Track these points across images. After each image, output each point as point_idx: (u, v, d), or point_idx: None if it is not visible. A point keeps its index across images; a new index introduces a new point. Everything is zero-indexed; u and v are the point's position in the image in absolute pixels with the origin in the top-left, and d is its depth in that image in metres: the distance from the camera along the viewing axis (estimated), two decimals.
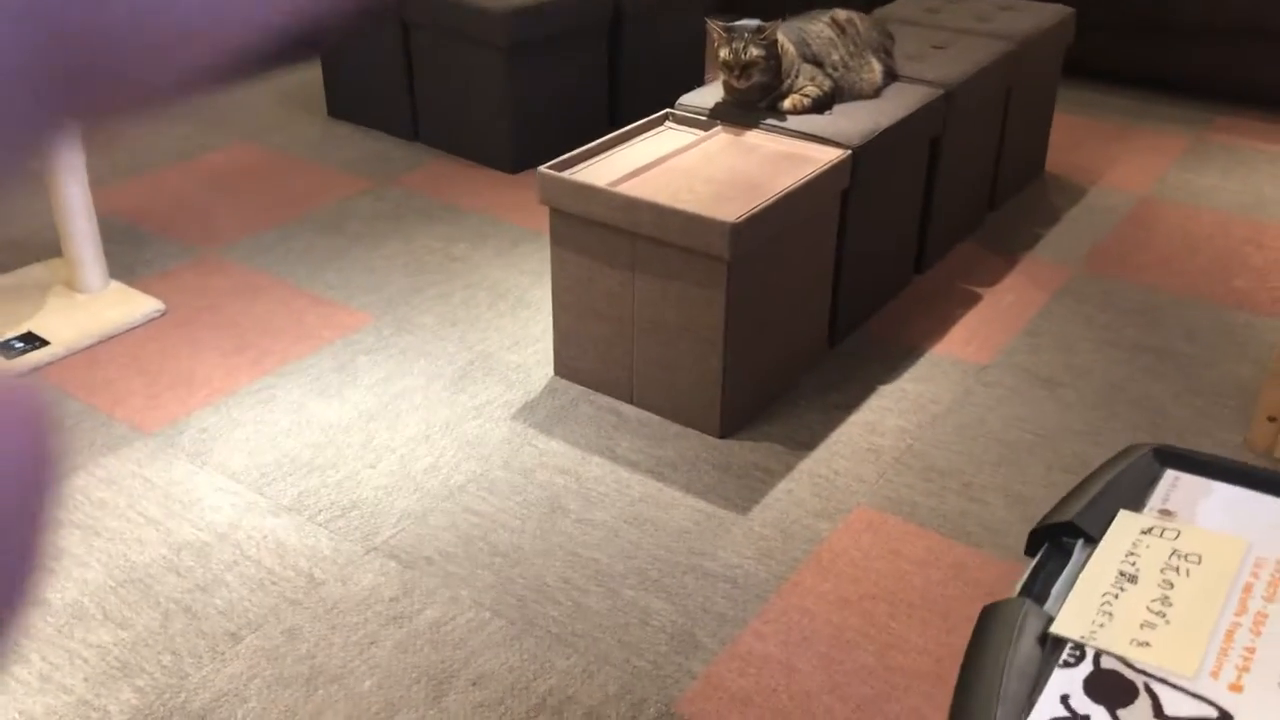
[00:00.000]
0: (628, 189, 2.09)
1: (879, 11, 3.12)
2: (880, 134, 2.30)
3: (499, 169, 3.29)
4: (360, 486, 2.00)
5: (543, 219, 2.40)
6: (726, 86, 2.36)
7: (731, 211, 1.98)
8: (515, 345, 2.44)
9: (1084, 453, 2.11)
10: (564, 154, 2.22)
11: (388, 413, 2.21)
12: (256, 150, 3.40)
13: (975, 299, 2.65)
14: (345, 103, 3.64)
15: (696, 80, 3.75)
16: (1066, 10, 3.12)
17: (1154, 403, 2.27)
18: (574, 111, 3.40)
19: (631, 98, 3.55)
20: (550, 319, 2.32)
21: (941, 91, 2.52)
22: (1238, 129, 3.64)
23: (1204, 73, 3.83)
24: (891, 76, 2.54)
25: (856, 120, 2.31)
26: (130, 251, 2.78)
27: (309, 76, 3.92)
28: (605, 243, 2.12)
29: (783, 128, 2.31)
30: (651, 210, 2.02)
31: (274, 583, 1.79)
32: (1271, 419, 2.09)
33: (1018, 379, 2.34)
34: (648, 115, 3.60)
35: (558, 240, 2.20)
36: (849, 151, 2.23)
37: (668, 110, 2.45)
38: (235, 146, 3.42)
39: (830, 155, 2.22)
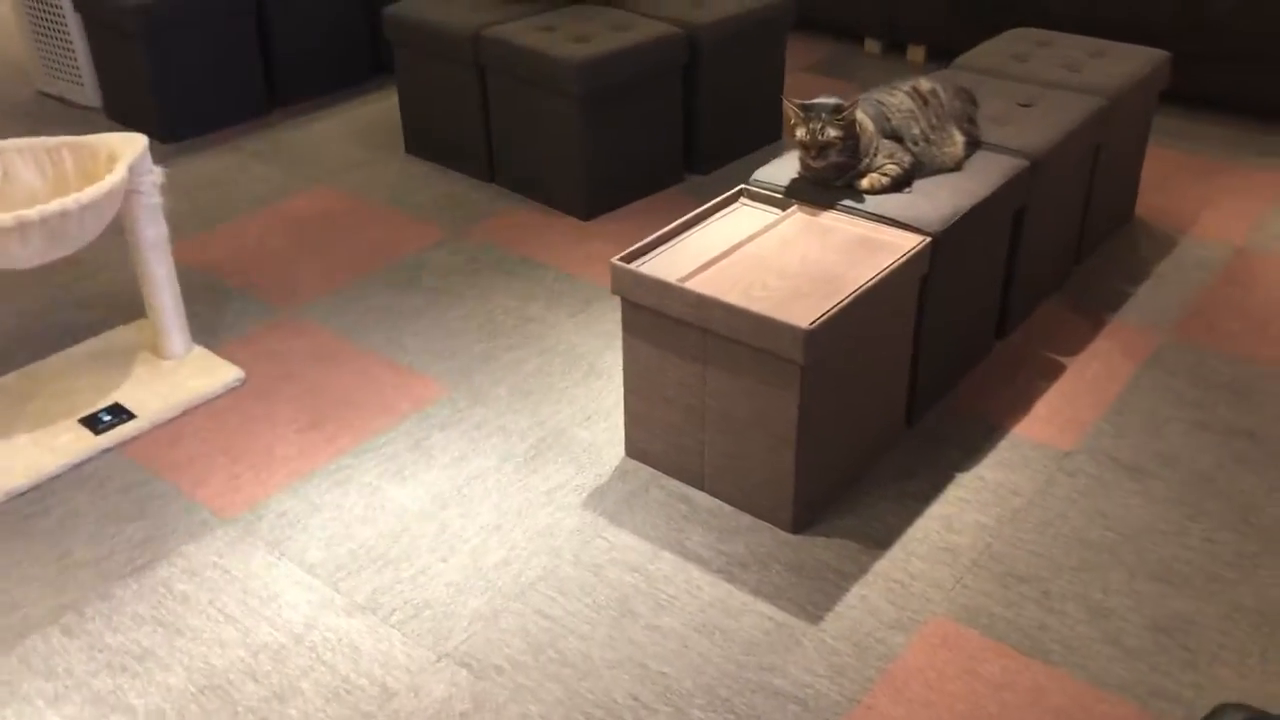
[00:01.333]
0: (700, 284, 2.06)
1: (965, 57, 3.03)
2: (962, 217, 2.23)
3: (573, 215, 3.29)
4: (433, 582, 2.02)
5: None
6: (803, 164, 2.31)
7: (806, 314, 1.95)
8: (588, 420, 2.44)
9: (1168, 557, 2.05)
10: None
11: (461, 498, 2.22)
12: (335, 194, 3.44)
13: (1059, 369, 2.58)
14: (422, 141, 3.66)
15: (773, 124, 3.69)
16: (1161, 55, 3.00)
17: (1246, 497, 2.19)
18: (649, 157, 3.37)
19: (708, 141, 3.51)
20: (621, 389, 2.31)
21: (1027, 163, 2.44)
22: None
23: None
24: (975, 145, 2.46)
25: (937, 200, 2.25)
26: (212, 312, 2.84)
27: (386, 111, 3.95)
28: (677, 335, 2.10)
29: (860, 210, 2.26)
30: (723, 309, 1.99)
31: (348, 692, 1.81)
32: None
33: (1102, 467, 2.28)
34: (724, 160, 3.58)
35: (629, 329, 2.19)
36: (929, 238, 2.17)
37: (743, 187, 2.41)
38: (315, 190, 3.46)
39: (909, 242, 2.17)
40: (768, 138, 3.71)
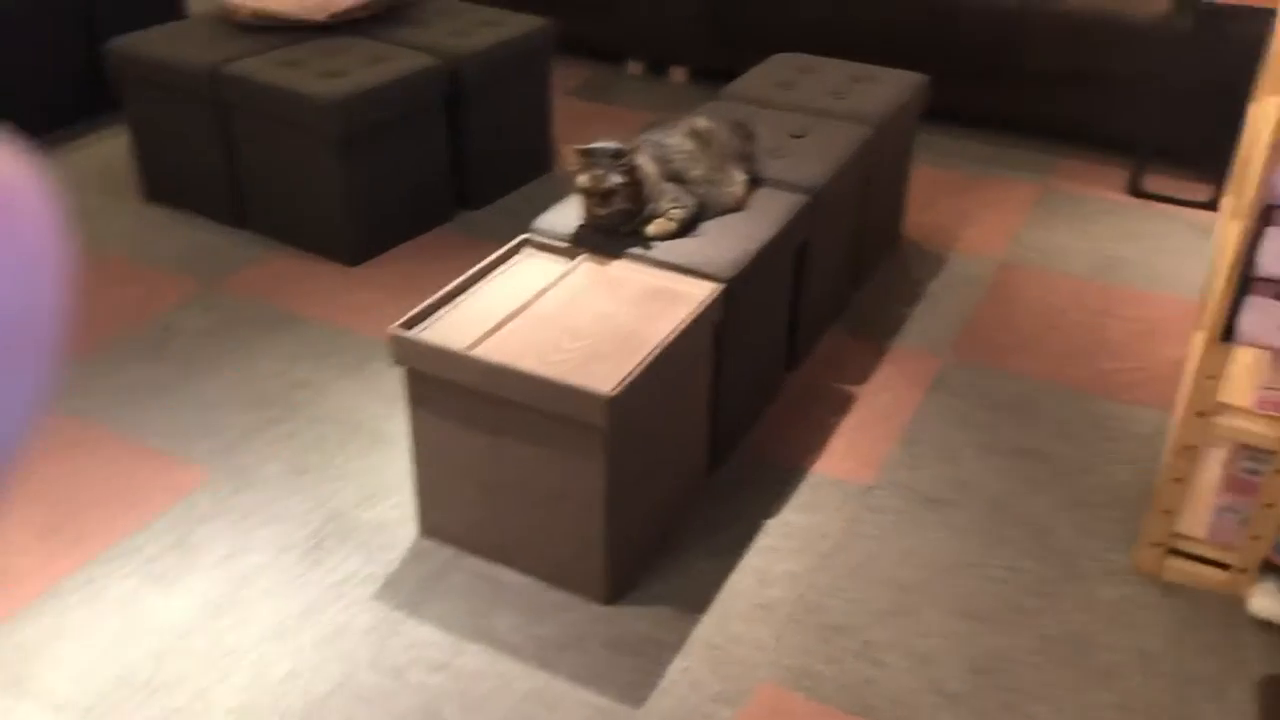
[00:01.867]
0: (491, 350, 1.92)
1: (732, 86, 3.01)
2: (751, 260, 2.18)
3: (337, 260, 3.06)
4: (212, 710, 1.79)
5: None
6: (587, 211, 2.20)
7: (606, 377, 1.83)
8: (373, 497, 2.24)
9: (976, 591, 2.06)
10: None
11: (235, 602, 1.99)
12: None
13: (850, 400, 2.58)
14: (162, 186, 3.33)
15: (544, 154, 3.58)
16: (920, 79, 3.08)
17: (1040, 521, 2.24)
18: (415, 195, 3.18)
19: (477, 175, 3.35)
20: (410, 460, 2.13)
21: (807, 198, 2.42)
22: (1081, 175, 3.69)
23: (1049, 116, 3.87)
24: (756, 182, 2.43)
25: (724, 244, 2.19)
26: None
27: (115, 153, 3.58)
28: (469, 405, 1.95)
29: (650, 257, 2.17)
30: (519, 378, 1.85)
31: None
32: (1155, 545, 2.08)
33: (903, 500, 2.28)
34: (496, 194, 3.43)
35: (416, 400, 2.02)
36: (722, 285, 2.11)
37: (526, 236, 2.28)
38: None
39: (702, 290, 2.09)
40: (539, 168, 3.59)
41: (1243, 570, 2.03)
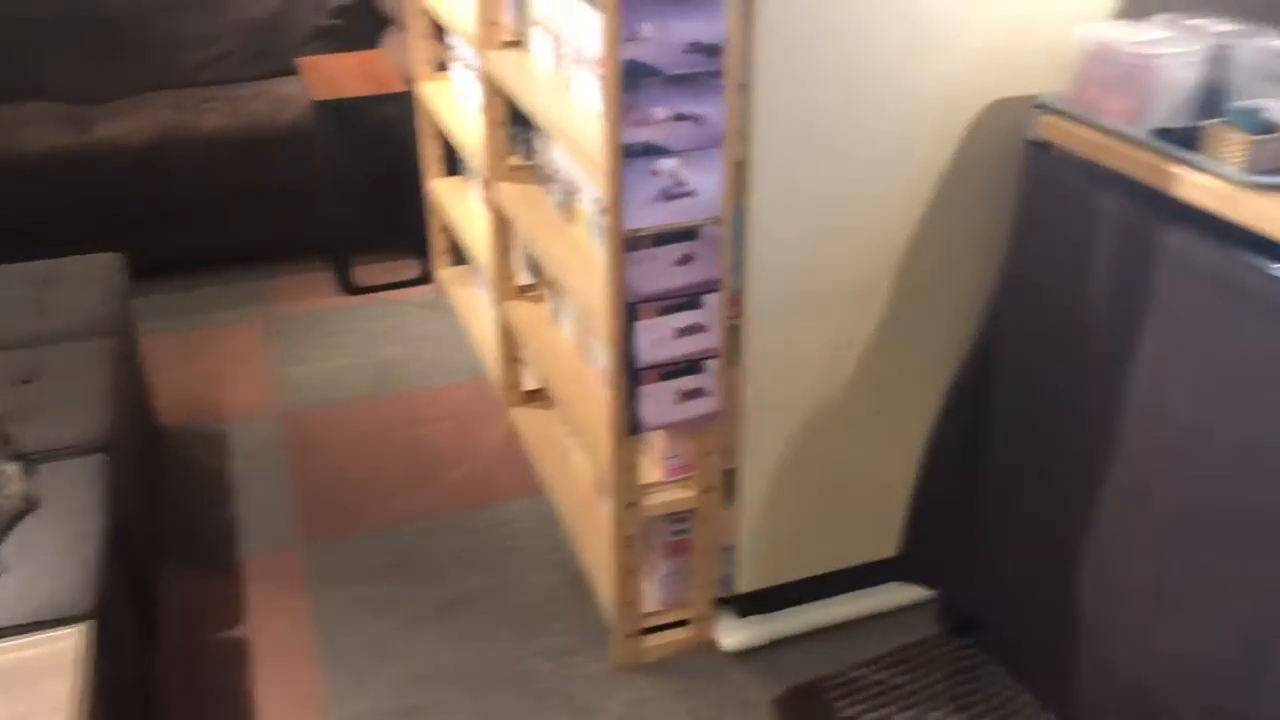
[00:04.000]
0: None
1: None
2: (108, 564, 1.66)
3: None
4: None
5: None
6: None
7: None
8: None
9: None
10: None
11: None
12: None
13: (239, 654, 2.16)
14: None
15: None
16: (116, 257, 2.63)
17: (514, 670, 2.10)
18: None
19: None
20: None
21: (106, 456, 1.92)
22: (297, 291, 3.53)
23: (238, 242, 3.63)
24: (31, 462, 1.86)
25: (52, 566, 1.64)
26: None
27: None
28: None
29: None
30: None
31: None
32: (630, 636, 2.08)
33: None
34: None
35: None
36: (87, 621, 1.57)
37: None
38: None
39: (61, 644, 1.54)
40: None
41: (702, 618, 2.13)
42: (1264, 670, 1.49)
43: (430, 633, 2.19)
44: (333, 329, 3.31)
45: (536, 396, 2.79)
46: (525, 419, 2.73)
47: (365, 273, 3.58)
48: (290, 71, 3.76)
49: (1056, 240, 1.75)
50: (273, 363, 3.14)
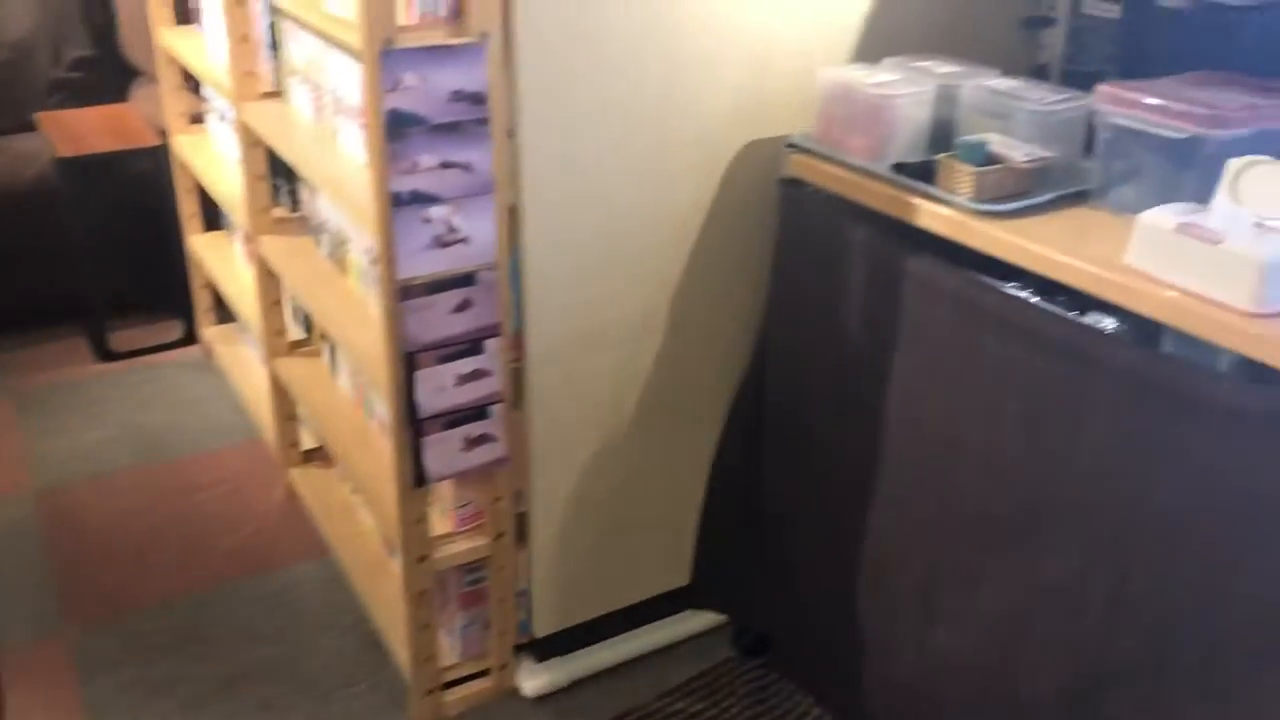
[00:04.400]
0: None
1: None
2: None
3: None
4: None
5: None
6: None
7: None
8: None
9: None
10: None
11: None
12: None
13: None
14: None
15: None
16: None
17: None
18: None
19: None
20: None
21: None
22: (48, 361, 3.30)
23: None
24: None
25: None
26: None
27: None
28: None
29: None
30: None
31: None
32: (429, 693, 2.04)
33: None
34: None
35: None
36: None
37: None
38: None
39: None
40: None
41: (502, 666, 2.11)
42: (1018, 660, 1.61)
43: (216, 711, 2.08)
44: (92, 398, 3.11)
45: (316, 455, 2.70)
46: (305, 479, 2.64)
47: (125, 337, 3.39)
48: (29, 128, 3.53)
49: (813, 270, 1.85)
50: (26, 438, 2.92)
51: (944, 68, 1.83)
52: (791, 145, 1.88)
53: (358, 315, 2.09)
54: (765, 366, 2.02)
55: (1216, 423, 1.29)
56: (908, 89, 1.75)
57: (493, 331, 1.81)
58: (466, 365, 1.81)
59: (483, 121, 1.67)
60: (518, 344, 1.87)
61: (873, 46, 1.98)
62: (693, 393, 2.08)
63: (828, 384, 1.88)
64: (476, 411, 1.85)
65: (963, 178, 1.59)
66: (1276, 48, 1.70)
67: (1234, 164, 1.36)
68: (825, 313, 1.84)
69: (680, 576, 2.23)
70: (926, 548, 1.74)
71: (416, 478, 1.84)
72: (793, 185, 1.88)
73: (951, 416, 1.64)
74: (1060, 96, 1.68)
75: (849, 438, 1.85)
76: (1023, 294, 1.53)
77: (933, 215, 1.62)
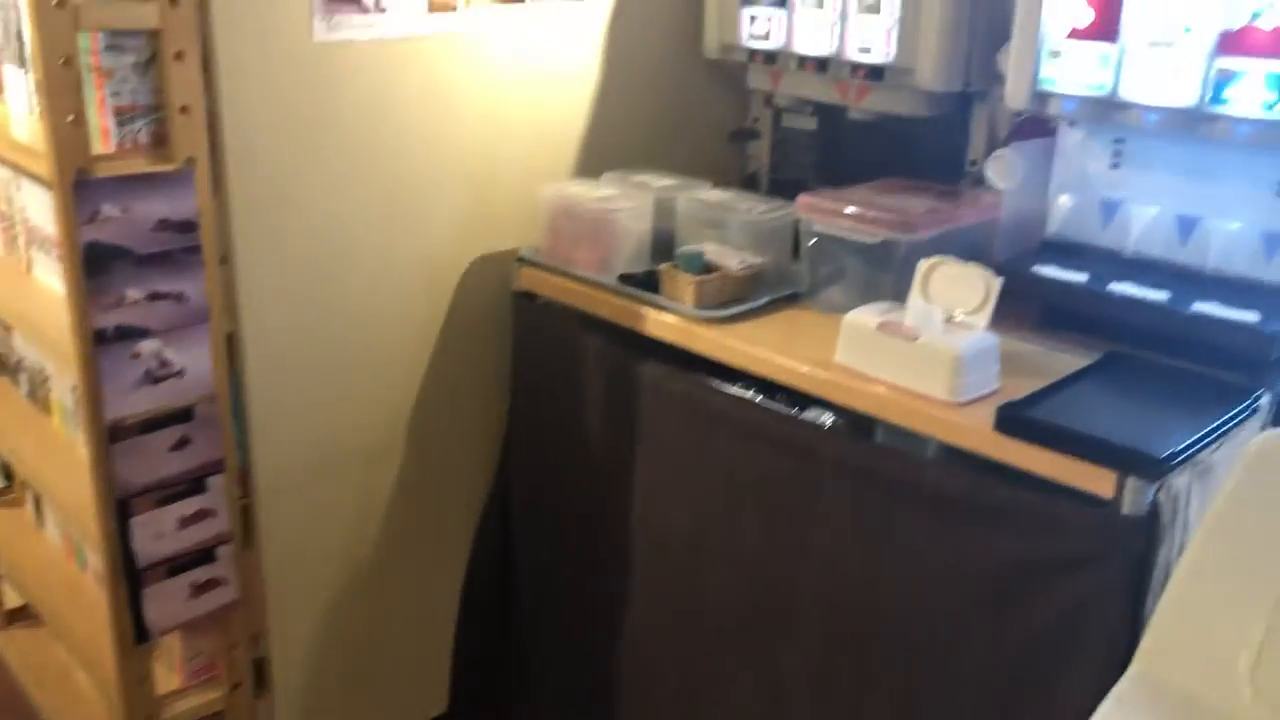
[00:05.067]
0: None
1: None
2: None
3: None
4: None
5: None
6: None
7: None
8: None
9: None
10: None
11: None
12: None
13: None
14: None
15: None
16: None
17: None
18: None
19: None
20: None
21: None
22: None
23: None
24: None
25: None
26: None
27: None
28: None
29: None
30: None
31: None
32: None
33: None
34: None
35: None
36: None
37: None
38: None
39: None
40: None
41: None
42: None
43: None
44: None
45: (21, 615, 2.44)
46: (10, 642, 2.38)
47: None
48: None
49: (551, 381, 1.86)
50: None
51: (661, 181, 1.91)
52: (521, 259, 1.89)
53: (64, 460, 1.92)
54: (510, 481, 2.00)
55: (925, 506, 1.38)
56: (628, 203, 1.81)
57: (216, 468, 1.70)
58: (189, 506, 1.69)
59: (193, 249, 1.59)
60: (245, 479, 1.77)
61: (592, 161, 2.04)
62: (439, 514, 2.03)
63: (573, 495, 1.88)
64: (203, 555, 1.72)
65: (684, 286, 1.65)
66: (947, 154, 1.87)
67: (923, 264, 1.47)
68: (566, 423, 1.85)
69: (438, 704, 2.14)
70: (680, 652, 1.75)
71: (138, 633, 1.69)
72: (525, 298, 1.89)
73: (694, 517, 1.67)
74: (767, 206, 1.78)
75: (599, 548, 1.85)
76: (747, 394, 1.59)
77: (659, 323, 1.67)
